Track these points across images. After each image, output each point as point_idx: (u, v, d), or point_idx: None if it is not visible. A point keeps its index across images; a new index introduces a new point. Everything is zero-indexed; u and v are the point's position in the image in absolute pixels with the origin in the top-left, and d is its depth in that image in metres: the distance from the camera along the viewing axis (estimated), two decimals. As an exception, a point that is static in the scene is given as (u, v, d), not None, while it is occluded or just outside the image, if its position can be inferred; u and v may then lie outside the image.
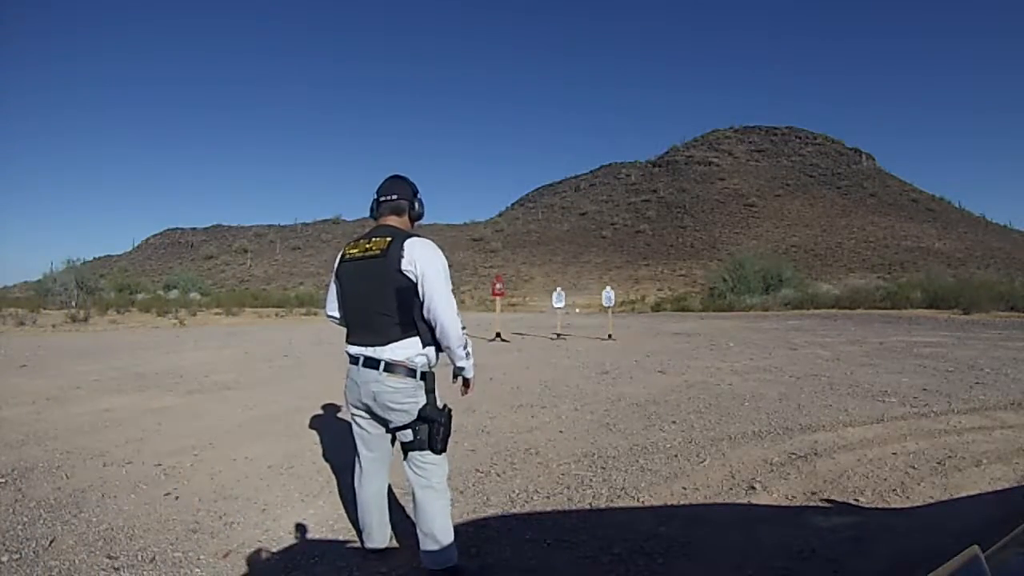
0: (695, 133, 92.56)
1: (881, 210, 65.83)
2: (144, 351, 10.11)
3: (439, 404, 2.06)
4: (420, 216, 2.25)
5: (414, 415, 2.00)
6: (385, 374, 1.97)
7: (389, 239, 2.02)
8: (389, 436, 2.18)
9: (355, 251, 2.10)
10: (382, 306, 1.99)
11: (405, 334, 1.99)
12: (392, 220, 2.16)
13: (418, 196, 2.24)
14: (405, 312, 1.98)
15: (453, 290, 2.07)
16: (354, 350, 2.07)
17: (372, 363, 2.00)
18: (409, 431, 2.01)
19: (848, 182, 73.99)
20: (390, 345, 1.99)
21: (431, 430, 2.00)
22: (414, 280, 1.96)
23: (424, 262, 1.96)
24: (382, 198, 2.17)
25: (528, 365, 7.98)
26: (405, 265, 1.96)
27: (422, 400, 2.01)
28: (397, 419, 2.02)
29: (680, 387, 5.92)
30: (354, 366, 2.06)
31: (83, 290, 23.77)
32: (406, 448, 2.05)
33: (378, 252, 2.01)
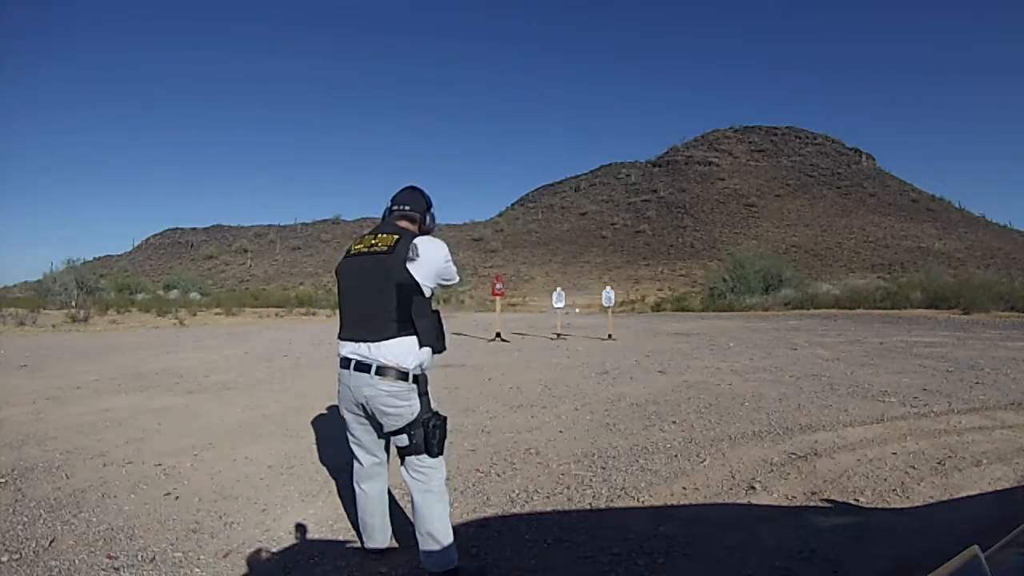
0: (695, 133, 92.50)
1: (881, 210, 65.86)
2: (144, 351, 10.11)
3: (433, 407, 2.06)
4: (430, 231, 2.23)
5: (408, 419, 1.99)
6: (377, 378, 1.96)
7: (397, 237, 2.04)
8: (384, 441, 2.17)
9: (360, 246, 2.10)
10: (382, 301, 1.98)
11: (401, 331, 1.98)
12: (403, 224, 2.16)
13: (431, 210, 2.24)
14: (403, 309, 1.98)
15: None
16: (346, 350, 2.05)
17: (363, 367, 1.99)
18: (405, 436, 2.00)
19: (848, 182, 73.99)
20: (385, 342, 1.98)
21: (426, 433, 1.99)
22: (416, 278, 1.98)
23: (425, 253, 2.01)
24: (395, 207, 2.18)
25: (528, 365, 7.98)
26: (411, 261, 1.98)
27: (415, 403, 2.00)
28: (390, 423, 2.01)
29: (680, 387, 5.92)
30: (345, 370, 2.04)
31: (83, 290, 23.74)
32: (402, 453, 2.04)
33: (384, 249, 2.02)
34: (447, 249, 2.10)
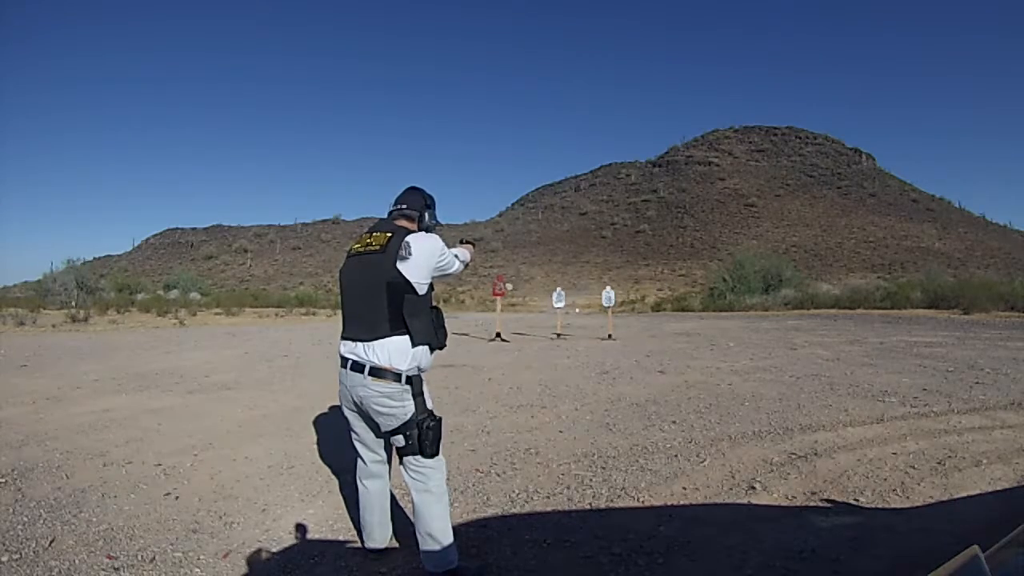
0: (695, 133, 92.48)
1: (881, 210, 65.82)
2: (144, 351, 10.11)
3: (428, 407, 2.06)
4: (430, 229, 2.23)
5: (402, 419, 1.99)
6: (371, 378, 1.97)
7: (390, 235, 2.04)
8: (384, 439, 2.18)
9: (358, 246, 2.13)
10: (374, 301, 1.99)
11: (394, 331, 1.99)
12: (401, 223, 2.16)
13: (431, 208, 2.24)
14: (395, 309, 1.98)
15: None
16: (344, 349, 2.07)
17: (358, 367, 2.00)
18: (401, 436, 2.01)
19: (848, 182, 73.96)
20: (378, 342, 1.98)
21: (420, 434, 2.00)
22: (408, 277, 1.98)
23: (417, 251, 2.01)
24: (393, 208, 2.20)
25: (528, 365, 7.98)
26: (402, 260, 1.98)
27: (409, 404, 2.00)
28: (385, 423, 2.02)
29: (680, 387, 5.92)
30: (343, 369, 2.07)
31: (83, 290, 23.74)
32: (400, 453, 2.05)
33: (377, 247, 2.03)
34: (441, 242, 2.12)
